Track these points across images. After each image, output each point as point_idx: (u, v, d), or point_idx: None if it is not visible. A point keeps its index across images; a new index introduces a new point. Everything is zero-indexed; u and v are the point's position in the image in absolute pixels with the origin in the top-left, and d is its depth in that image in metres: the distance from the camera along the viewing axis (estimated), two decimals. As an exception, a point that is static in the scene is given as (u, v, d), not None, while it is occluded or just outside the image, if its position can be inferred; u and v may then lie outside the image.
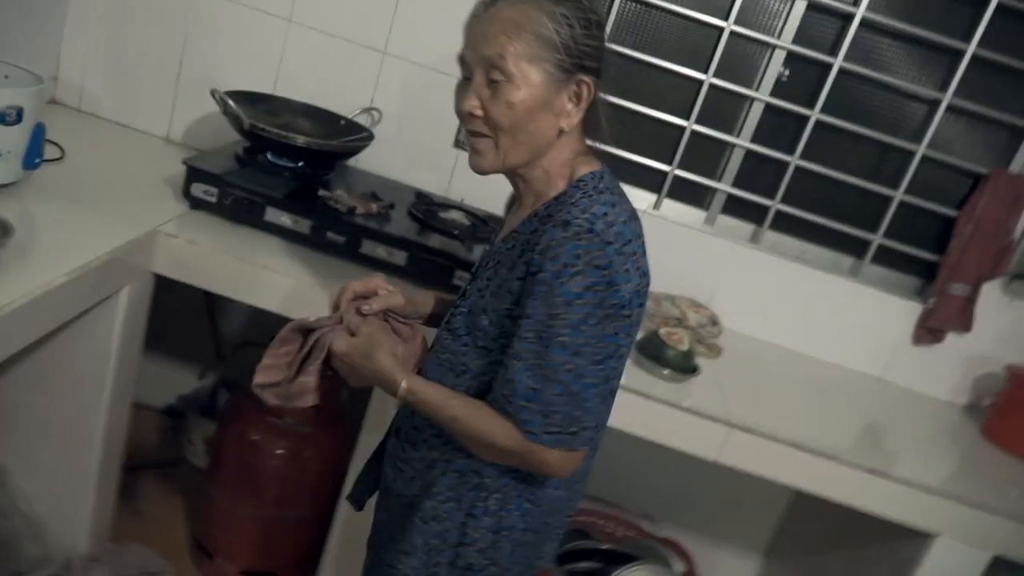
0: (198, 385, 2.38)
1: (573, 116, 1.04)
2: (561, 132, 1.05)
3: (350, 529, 1.82)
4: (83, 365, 1.62)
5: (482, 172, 1.09)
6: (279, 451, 1.88)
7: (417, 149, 2.10)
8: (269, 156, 1.83)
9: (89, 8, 2.03)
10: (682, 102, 2.07)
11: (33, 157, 1.55)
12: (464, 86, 1.05)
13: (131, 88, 2.10)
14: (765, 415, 1.70)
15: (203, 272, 1.62)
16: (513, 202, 1.22)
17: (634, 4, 2.02)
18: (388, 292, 1.23)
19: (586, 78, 1.03)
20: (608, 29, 1.93)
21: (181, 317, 2.18)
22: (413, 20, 2.00)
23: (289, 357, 1.18)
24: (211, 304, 2.23)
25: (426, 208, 1.90)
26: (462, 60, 1.05)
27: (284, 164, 1.83)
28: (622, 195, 1.07)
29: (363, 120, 2.04)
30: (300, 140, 1.76)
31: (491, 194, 2.05)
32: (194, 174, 1.69)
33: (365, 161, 2.06)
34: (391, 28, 2.01)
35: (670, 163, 2.10)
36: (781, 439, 1.63)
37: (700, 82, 2.03)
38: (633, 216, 1.06)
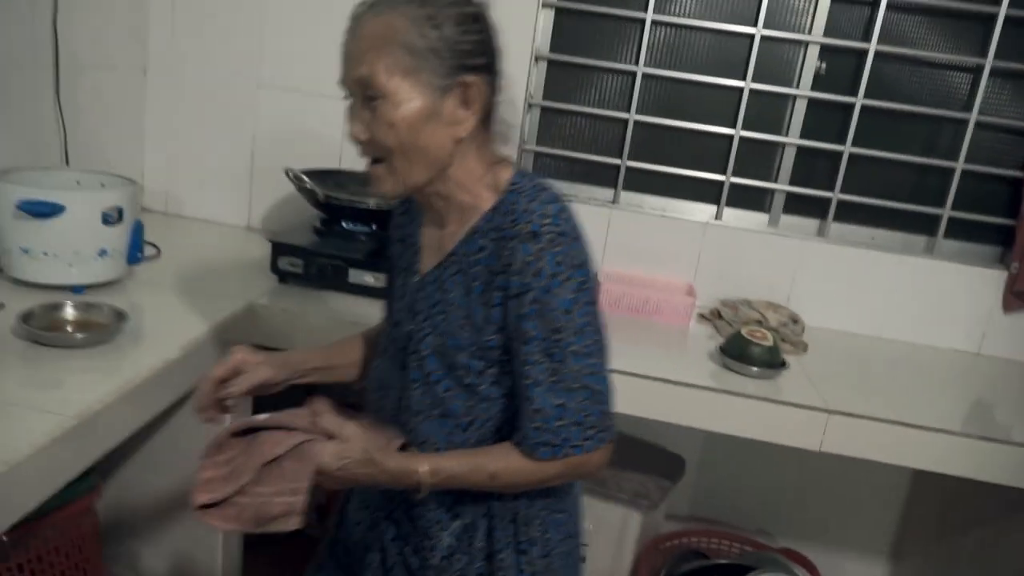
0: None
1: (467, 121, 0.97)
2: (459, 141, 0.98)
3: None
4: (199, 437, 1.72)
5: (385, 198, 1.04)
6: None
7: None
8: (344, 224, 1.95)
9: (165, 122, 2.23)
10: (727, 111, 2.12)
11: (135, 253, 1.69)
12: (350, 110, 0.99)
13: (210, 186, 2.27)
14: (864, 399, 1.68)
15: (298, 336, 1.71)
16: (408, 218, 1.15)
17: (665, 28, 2.10)
18: (255, 365, 1.11)
19: (471, 78, 0.95)
20: (643, 52, 2.06)
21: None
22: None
23: (231, 467, 0.99)
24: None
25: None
26: (343, 84, 0.99)
27: (359, 229, 1.94)
28: (544, 185, 1.01)
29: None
30: (371, 203, 1.88)
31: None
32: (280, 249, 1.81)
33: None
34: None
35: (724, 172, 2.15)
36: (884, 419, 1.61)
37: (740, 90, 2.09)
38: (561, 198, 1.00)
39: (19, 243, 1.55)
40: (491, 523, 1.07)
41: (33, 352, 1.34)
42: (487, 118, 1.00)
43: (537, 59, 2.13)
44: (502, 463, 0.99)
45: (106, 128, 2.11)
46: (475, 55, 0.96)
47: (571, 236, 0.96)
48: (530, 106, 2.16)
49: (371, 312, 1.76)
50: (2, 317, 1.43)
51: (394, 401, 1.08)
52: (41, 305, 1.45)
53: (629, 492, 2.01)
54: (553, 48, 2.14)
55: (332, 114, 2.17)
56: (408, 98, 0.93)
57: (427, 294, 1.05)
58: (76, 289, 1.59)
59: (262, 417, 1.02)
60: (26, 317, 1.39)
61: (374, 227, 1.95)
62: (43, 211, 1.52)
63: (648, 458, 2.15)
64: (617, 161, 2.18)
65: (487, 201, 1.00)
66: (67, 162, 1.92)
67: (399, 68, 0.92)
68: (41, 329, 1.38)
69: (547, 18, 2.11)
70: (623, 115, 2.15)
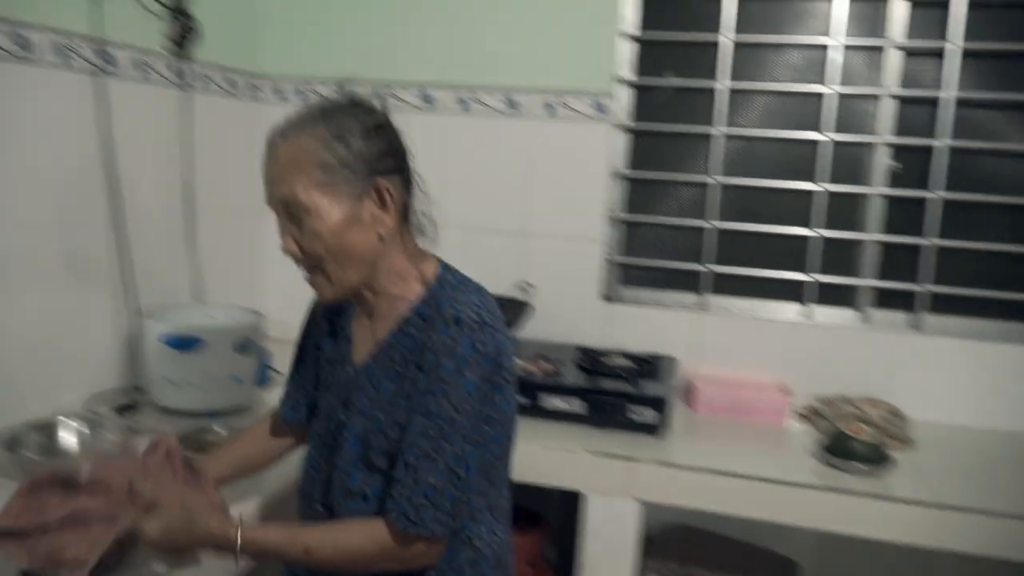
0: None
1: (387, 220, 1.05)
2: (382, 239, 1.05)
3: None
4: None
5: (329, 303, 1.12)
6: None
7: (569, 310, 2.30)
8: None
9: (279, 258, 2.44)
10: (805, 210, 2.19)
11: (263, 379, 1.86)
12: (279, 226, 1.07)
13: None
14: (980, 493, 1.65)
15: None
16: (335, 312, 1.20)
17: (736, 141, 2.22)
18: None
19: (383, 181, 1.04)
20: (715, 162, 2.17)
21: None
22: (545, 200, 2.29)
23: (44, 511, 1.05)
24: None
25: (590, 358, 2.06)
26: (269, 205, 1.07)
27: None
28: (468, 279, 1.11)
29: (518, 295, 2.28)
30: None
31: (644, 337, 2.21)
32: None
33: (527, 330, 2.27)
34: (525, 210, 2.30)
35: (808, 271, 2.20)
36: (1004, 513, 1.57)
37: (813, 192, 2.17)
38: (486, 292, 1.10)
39: (164, 374, 1.73)
40: None
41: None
42: (405, 214, 1.09)
43: (616, 177, 2.27)
44: (322, 535, 1.02)
45: (229, 266, 2.33)
46: (384, 159, 1.05)
47: (491, 326, 1.03)
48: (612, 220, 2.28)
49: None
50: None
51: (322, 484, 1.13)
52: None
53: (741, 598, 1.98)
54: (630, 165, 2.29)
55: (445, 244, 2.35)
56: (328, 210, 1.01)
57: (359, 385, 1.11)
58: (211, 415, 1.74)
59: (86, 468, 1.07)
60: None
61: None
62: (184, 345, 1.70)
63: (760, 562, 2.12)
64: (699, 267, 2.26)
65: (415, 293, 1.09)
66: (200, 299, 2.13)
67: (315, 184, 1.00)
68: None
69: (622, 140, 2.27)
70: (701, 223, 2.25)
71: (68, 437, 1.51)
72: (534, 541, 2.04)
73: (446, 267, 1.12)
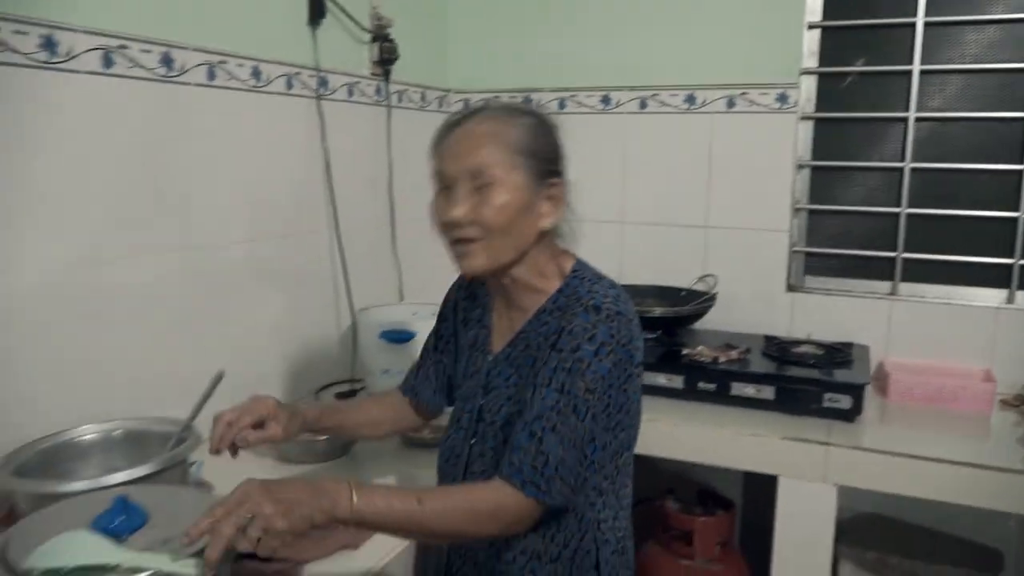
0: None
1: (551, 216, 1.12)
2: (541, 232, 1.12)
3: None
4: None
5: (475, 273, 1.13)
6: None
7: (754, 300, 2.32)
8: (631, 333, 2.16)
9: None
10: (1005, 192, 2.10)
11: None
12: (445, 197, 1.11)
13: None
14: None
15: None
16: (472, 303, 1.28)
17: (928, 122, 2.15)
18: (268, 420, 1.19)
19: (557, 180, 1.12)
20: (907, 150, 2.12)
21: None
22: (727, 192, 2.32)
23: None
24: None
25: (778, 347, 2.08)
26: (440, 174, 1.12)
27: (645, 336, 2.14)
28: (602, 273, 1.17)
29: (700, 287, 2.32)
30: (657, 311, 2.08)
31: (832, 326, 2.19)
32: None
33: (710, 321, 2.31)
34: (707, 204, 2.34)
35: (1009, 255, 2.10)
36: None
37: (1019, 172, 2.07)
38: (619, 286, 1.14)
39: (381, 366, 1.92)
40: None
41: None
42: (560, 219, 1.15)
43: (799, 167, 2.26)
44: (435, 492, 1.03)
45: (429, 267, 2.53)
46: (559, 161, 1.13)
47: (626, 316, 1.08)
48: (796, 210, 2.28)
49: (667, 410, 1.93)
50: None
51: (462, 468, 1.19)
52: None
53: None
54: (813, 154, 2.28)
55: (608, 238, 2.45)
56: (513, 188, 1.07)
57: (500, 371, 1.18)
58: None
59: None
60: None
61: (659, 333, 2.15)
62: (400, 338, 1.89)
63: (961, 551, 2.06)
64: (892, 254, 2.21)
65: (553, 285, 1.15)
66: (402, 298, 2.34)
67: (509, 161, 1.07)
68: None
69: (807, 129, 2.26)
70: (894, 210, 2.20)
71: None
72: (724, 524, 2.08)
73: (582, 263, 1.19)
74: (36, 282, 1.35)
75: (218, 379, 1.26)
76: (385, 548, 1.27)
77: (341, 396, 1.97)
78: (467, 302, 1.31)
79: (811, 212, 2.30)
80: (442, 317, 1.36)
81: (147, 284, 1.56)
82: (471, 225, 1.08)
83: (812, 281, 2.32)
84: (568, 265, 1.17)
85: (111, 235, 1.48)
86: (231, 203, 1.76)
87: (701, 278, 2.33)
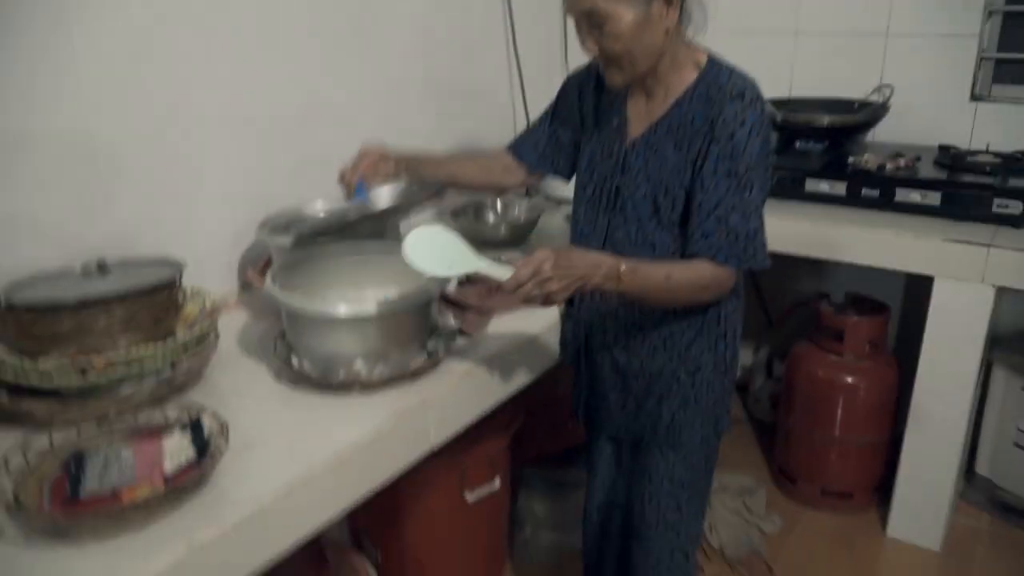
0: (754, 357, 2.79)
1: (671, 16, 1.19)
2: (667, 32, 1.20)
3: (919, 455, 2.00)
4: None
5: (619, 87, 1.27)
6: (841, 383, 2.16)
7: (932, 111, 2.26)
8: (798, 144, 2.20)
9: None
10: None
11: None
12: (579, 32, 1.23)
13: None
14: None
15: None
16: (601, 91, 1.37)
17: None
18: (385, 163, 1.46)
19: None
20: None
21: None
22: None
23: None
24: (754, 277, 2.62)
25: (952, 156, 2.05)
26: (570, 14, 1.22)
27: (812, 147, 2.18)
28: (731, 64, 1.26)
29: (875, 98, 2.28)
30: (825, 120, 2.10)
31: (1019, 139, 2.11)
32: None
33: (882, 133, 2.29)
34: (891, 10, 2.25)
35: None
36: None
37: None
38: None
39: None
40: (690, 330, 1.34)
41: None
42: (682, 11, 1.22)
43: (999, -37, 2.11)
44: (675, 266, 1.23)
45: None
46: None
47: (764, 103, 1.21)
48: (990, 13, 2.14)
49: (825, 213, 2.00)
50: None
51: (598, 241, 1.35)
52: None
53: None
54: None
55: (780, 50, 2.43)
56: (624, 15, 1.16)
57: (638, 153, 1.30)
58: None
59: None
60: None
61: (827, 143, 2.17)
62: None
63: None
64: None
65: (690, 76, 1.26)
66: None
67: None
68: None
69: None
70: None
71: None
72: (876, 326, 2.16)
73: (714, 58, 1.28)
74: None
75: None
76: (546, 319, 1.51)
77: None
78: (598, 91, 1.41)
79: (1007, 15, 2.16)
80: (563, 95, 1.49)
81: (341, 103, 1.82)
82: (601, 55, 1.22)
83: (1000, 90, 2.21)
84: (702, 59, 1.27)
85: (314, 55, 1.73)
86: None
87: (877, 89, 2.28)
